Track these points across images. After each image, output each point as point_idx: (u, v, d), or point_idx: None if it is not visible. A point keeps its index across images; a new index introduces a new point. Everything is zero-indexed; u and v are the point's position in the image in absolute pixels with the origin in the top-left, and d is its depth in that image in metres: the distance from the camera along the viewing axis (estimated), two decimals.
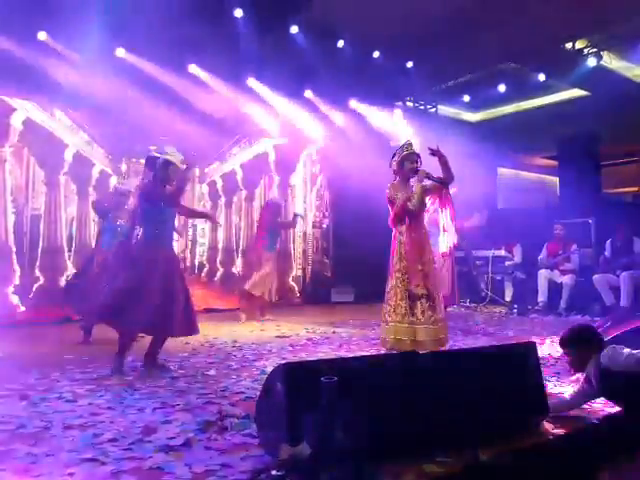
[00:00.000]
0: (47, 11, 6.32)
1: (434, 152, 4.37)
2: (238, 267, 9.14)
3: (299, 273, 9.86)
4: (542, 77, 8.77)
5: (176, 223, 4.78)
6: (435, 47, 8.00)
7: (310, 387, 2.04)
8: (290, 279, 9.68)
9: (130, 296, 3.77)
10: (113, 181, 7.81)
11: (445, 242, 4.72)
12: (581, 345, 2.83)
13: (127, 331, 3.97)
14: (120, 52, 7.17)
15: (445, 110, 10.87)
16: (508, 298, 8.65)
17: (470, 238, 7.45)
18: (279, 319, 7.15)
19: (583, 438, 2.59)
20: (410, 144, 4.54)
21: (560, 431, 2.60)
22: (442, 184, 4.47)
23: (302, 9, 7.39)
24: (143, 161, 7.91)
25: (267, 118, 8.84)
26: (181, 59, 7.59)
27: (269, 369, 3.53)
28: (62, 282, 7.28)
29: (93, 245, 7.10)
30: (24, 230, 7.09)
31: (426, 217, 4.71)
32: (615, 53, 8.15)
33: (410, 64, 8.86)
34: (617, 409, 2.81)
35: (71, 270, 7.37)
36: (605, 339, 2.97)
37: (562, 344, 2.94)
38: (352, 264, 9.36)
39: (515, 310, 8.03)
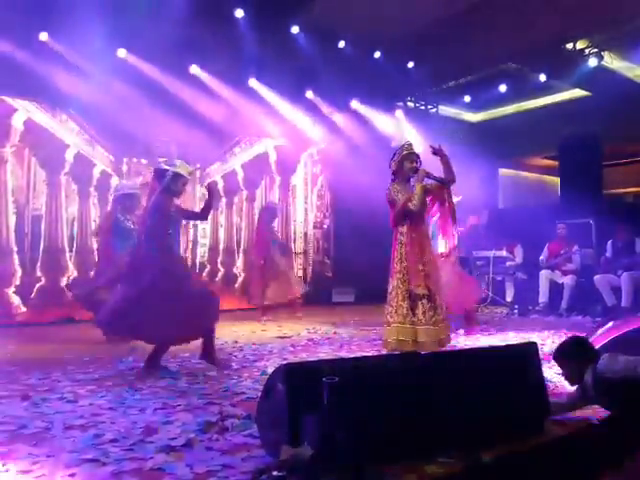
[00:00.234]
0: (48, 12, 6.33)
1: (436, 151, 4.37)
2: (239, 268, 9.14)
3: (300, 273, 9.85)
4: (543, 77, 8.77)
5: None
6: (436, 47, 8.00)
7: (311, 388, 2.04)
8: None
9: (157, 310, 3.80)
10: (114, 181, 7.81)
11: (444, 244, 4.74)
12: (576, 358, 2.76)
13: (163, 343, 4.07)
14: (121, 53, 7.18)
15: (446, 110, 10.87)
16: (509, 298, 8.64)
17: (470, 239, 7.42)
18: (280, 319, 7.15)
19: (584, 439, 2.58)
20: (409, 144, 4.54)
21: (562, 432, 2.60)
22: (443, 184, 4.47)
23: (303, 10, 7.40)
24: (144, 161, 8.07)
25: (268, 118, 8.84)
26: (182, 60, 7.59)
27: (270, 370, 3.54)
28: (63, 282, 7.31)
29: (95, 247, 7.12)
30: (25, 230, 7.09)
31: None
32: (616, 53, 8.15)
33: (411, 64, 8.86)
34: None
35: (72, 271, 7.39)
36: (600, 346, 2.93)
37: (556, 359, 2.87)
38: (353, 264, 9.36)
39: (516, 310, 8.02)
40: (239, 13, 7.20)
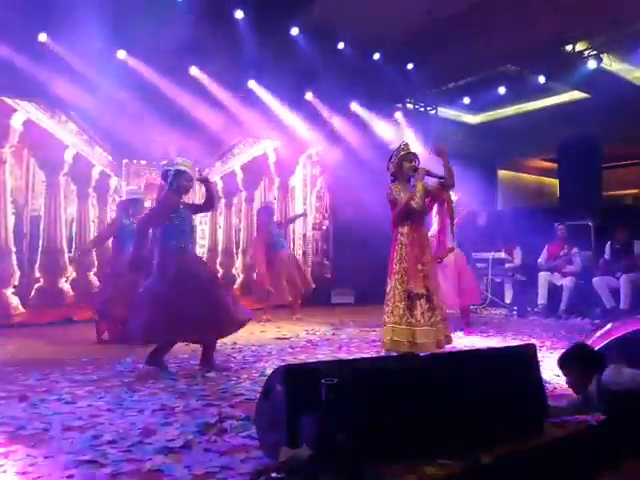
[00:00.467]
0: (48, 13, 6.33)
1: (439, 153, 4.37)
2: (238, 269, 9.14)
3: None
4: (542, 79, 8.77)
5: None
6: (435, 49, 8.01)
7: (310, 389, 2.04)
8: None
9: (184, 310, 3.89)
10: (113, 182, 7.82)
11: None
12: (581, 365, 2.74)
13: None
14: (121, 54, 7.17)
15: (445, 112, 10.88)
16: (508, 300, 8.65)
17: (466, 229, 7.37)
18: (279, 321, 7.15)
19: (583, 440, 2.58)
20: (406, 144, 4.55)
21: (560, 433, 2.60)
22: (443, 186, 4.47)
23: (302, 11, 7.40)
24: (144, 162, 8.06)
25: (267, 120, 8.84)
26: (181, 61, 7.59)
27: (269, 371, 3.54)
28: (62, 283, 7.30)
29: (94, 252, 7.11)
30: (24, 231, 7.08)
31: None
32: (615, 55, 8.15)
33: (410, 66, 8.86)
34: None
35: (71, 272, 7.38)
36: (598, 348, 2.91)
37: (561, 365, 2.84)
38: (352, 266, 9.37)
39: (515, 312, 8.03)
40: (239, 14, 7.21)
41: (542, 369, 2.85)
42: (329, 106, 9.34)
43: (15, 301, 6.92)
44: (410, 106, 10.40)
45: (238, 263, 9.16)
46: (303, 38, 7.77)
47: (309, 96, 9.06)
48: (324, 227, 10.33)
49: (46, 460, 2.28)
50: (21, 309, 6.95)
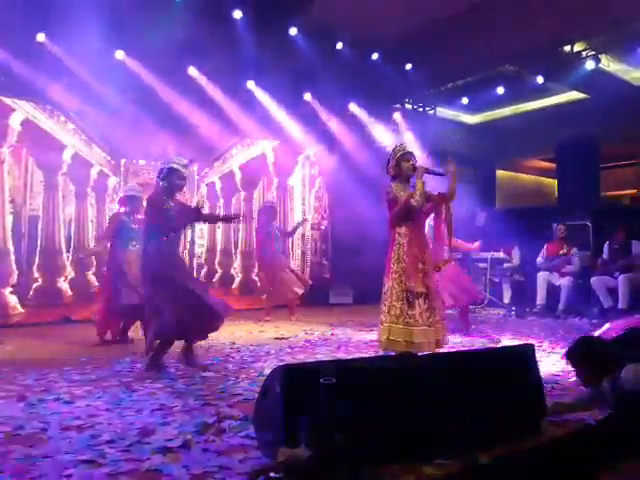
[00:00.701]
0: (46, 13, 6.32)
1: (448, 170, 4.39)
2: (237, 269, 9.14)
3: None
4: (540, 80, 8.78)
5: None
6: (434, 49, 8.01)
7: (308, 389, 2.04)
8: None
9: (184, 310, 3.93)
10: (111, 182, 7.81)
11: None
12: (592, 360, 2.61)
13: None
14: (119, 54, 7.16)
15: (444, 112, 10.89)
16: (506, 300, 8.66)
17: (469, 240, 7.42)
18: (277, 321, 7.15)
19: (582, 439, 2.58)
20: (401, 144, 4.56)
21: (559, 432, 2.60)
22: (444, 199, 4.53)
23: (301, 11, 7.39)
24: (142, 162, 8.06)
25: (266, 120, 8.84)
26: (180, 61, 7.58)
27: (267, 371, 3.52)
28: (60, 283, 7.29)
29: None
30: (22, 231, 7.08)
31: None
32: (613, 56, 8.16)
33: (409, 66, 8.86)
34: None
35: (69, 271, 7.37)
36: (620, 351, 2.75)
37: (570, 359, 2.70)
38: (350, 266, 9.36)
39: (513, 312, 8.03)
40: (237, 14, 7.20)
41: (540, 369, 2.85)
42: (327, 106, 9.34)
43: (13, 301, 6.92)
44: (409, 106, 10.41)
45: (237, 263, 9.16)
46: (302, 38, 7.75)
47: (307, 96, 9.06)
48: (323, 227, 10.33)
49: (44, 460, 2.28)
50: (19, 309, 6.94)
